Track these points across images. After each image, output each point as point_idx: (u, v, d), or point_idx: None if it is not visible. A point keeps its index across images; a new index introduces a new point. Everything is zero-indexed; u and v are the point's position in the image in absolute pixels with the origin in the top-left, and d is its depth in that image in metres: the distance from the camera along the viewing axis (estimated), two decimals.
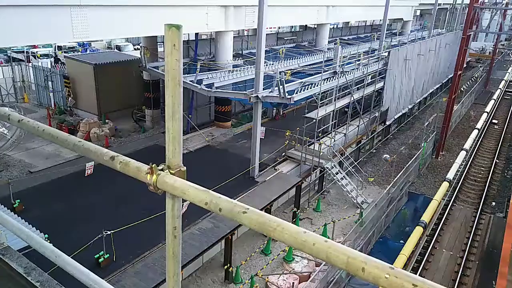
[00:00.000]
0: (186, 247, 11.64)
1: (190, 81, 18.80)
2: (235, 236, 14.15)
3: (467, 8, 24.77)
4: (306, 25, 33.21)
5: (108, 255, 11.24)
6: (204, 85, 18.45)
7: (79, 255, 9.65)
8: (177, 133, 1.69)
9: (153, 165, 1.70)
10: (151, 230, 11.94)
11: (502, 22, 42.41)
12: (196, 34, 22.56)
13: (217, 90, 18.30)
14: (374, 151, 24.72)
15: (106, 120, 22.25)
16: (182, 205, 1.83)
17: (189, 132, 21.52)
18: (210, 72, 19.93)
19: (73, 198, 14.54)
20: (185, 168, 1.72)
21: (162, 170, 1.70)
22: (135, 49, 36.52)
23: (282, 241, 1.40)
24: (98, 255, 11.16)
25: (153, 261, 11.37)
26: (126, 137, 21.82)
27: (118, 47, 38.47)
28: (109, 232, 11.02)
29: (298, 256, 14.48)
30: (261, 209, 14.29)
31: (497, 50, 47.96)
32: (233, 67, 21.13)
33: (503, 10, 43.65)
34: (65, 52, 34.34)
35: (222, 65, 21.00)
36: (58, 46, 36.60)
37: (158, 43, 21.92)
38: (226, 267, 13.38)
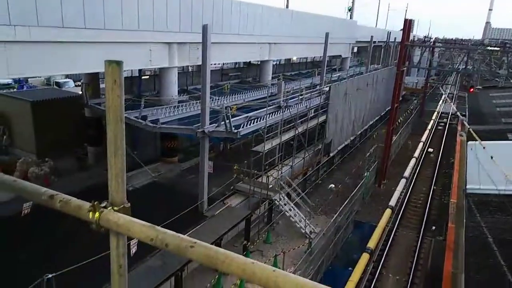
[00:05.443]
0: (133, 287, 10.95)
1: (135, 117, 18.44)
2: (185, 273, 13.57)
3: (399, 46, 27.08)
4: (250, 62, 34.08)
5: None
6: (149, 121, 18.16)
7: None
8: (120, 169, 1.67)
9: (95, 203, 1.67)
10: (98, 270, 11.22)
11: (431, 58, 46.94)
12: (140, 70, 22.42)
13: (162, 125, 18.07)
14: (320, 182, 25.35)
15: (46, 159, 20.97)
16: (130, 243, 1.82)
17: (134, 168, 20.81)
18: (155, 108, 19.70)
19: (10, 243, 13.43)
20: (129, 204, 1.70)
21: (105, 207, 1.66)
22: (76, 85, 35.36)
23: (231, 273, 1.39)
24: None
25: None
26: (67, 176, 20.63)
27: (58, 84, 37.01)
28: (50, 276, 10.05)
29: None
30: (211, 244, 14.05)
31: (428, 84, 52.79)
32: (178, 103, 21.07)
33: (431, 48, 48.43)
34: None
35: (167, 101, 20.88)
36: None
37: (100, 79, 21.44)
38: None
